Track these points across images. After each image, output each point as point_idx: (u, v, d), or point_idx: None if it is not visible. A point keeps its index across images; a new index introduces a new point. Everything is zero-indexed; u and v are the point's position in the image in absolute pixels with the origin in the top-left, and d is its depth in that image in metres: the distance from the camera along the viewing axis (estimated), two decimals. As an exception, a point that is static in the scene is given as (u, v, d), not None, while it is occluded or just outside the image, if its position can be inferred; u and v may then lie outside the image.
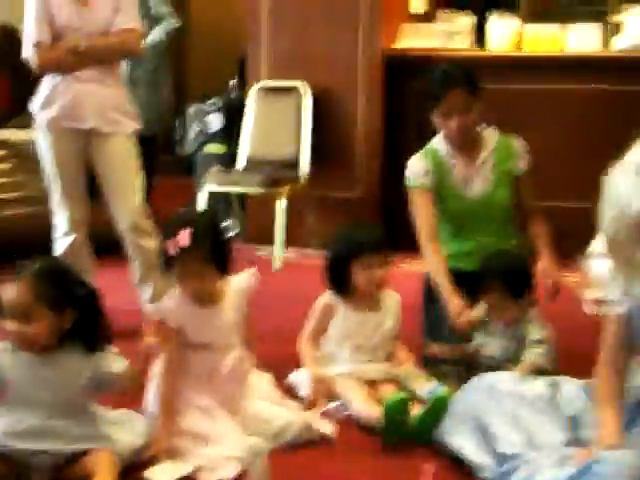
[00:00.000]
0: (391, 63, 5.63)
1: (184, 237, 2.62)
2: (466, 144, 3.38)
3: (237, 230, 5.94)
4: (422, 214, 3.38)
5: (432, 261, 3.34)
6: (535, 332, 3.08)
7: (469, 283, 3.20)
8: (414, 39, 5.75)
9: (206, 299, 2.77)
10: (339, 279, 3.16)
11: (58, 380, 2.42)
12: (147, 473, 2.49)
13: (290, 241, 5.44)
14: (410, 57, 5.57)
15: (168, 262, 2.69)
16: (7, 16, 6.70)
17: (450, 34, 5.72)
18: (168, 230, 2.71)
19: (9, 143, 6.08)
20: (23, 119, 6.35)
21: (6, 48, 6.53)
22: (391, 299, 3.24)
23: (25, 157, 5.86)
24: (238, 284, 2.85)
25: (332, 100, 5.73)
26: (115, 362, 2.50)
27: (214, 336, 2.78)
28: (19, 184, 5.65)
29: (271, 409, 2.81)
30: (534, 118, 5.29)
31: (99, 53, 3.72)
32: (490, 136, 3.43)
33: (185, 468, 2.51)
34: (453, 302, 3.18)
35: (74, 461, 2.42)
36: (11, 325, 2.37)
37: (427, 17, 6.08)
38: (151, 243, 3.76)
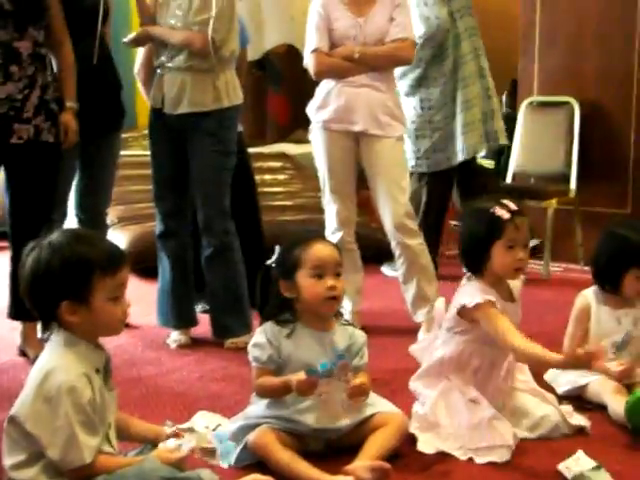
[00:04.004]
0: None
1: (511, 203, 2.67)
2: None
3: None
4: None
5: None
6: None
7: None
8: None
9: (508, 291, 2.75)
10: (609, 280, 3.07)
11: None
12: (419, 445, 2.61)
13: (555, 255, 5.38)
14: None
15: (495, 228, 2.67)
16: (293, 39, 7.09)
17: None
18: (492, 199, 2.74)
19: (287, 156, 6.46)
20: (300, 134, 6.74)
21: (288, 67, 6.94)
22: None
23: (301, 169, 6.23)
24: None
25: (603, 116, 5.60)
26: None
27: None
28: (294, 193, 6.00)
29: (529, 401, 2.78)
30: None
31: (372, 61, 3.86)
32: None
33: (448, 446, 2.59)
34: None
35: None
36: None
37: None
38: (416, 242, 3.86)
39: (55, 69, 3.60)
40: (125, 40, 3.85)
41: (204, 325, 3.96)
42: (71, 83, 3.60)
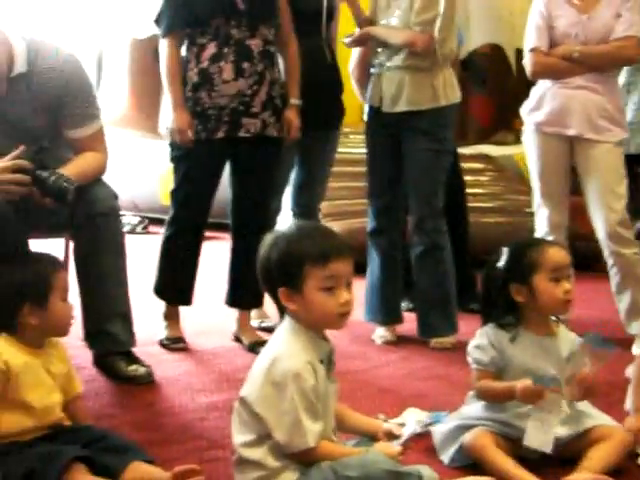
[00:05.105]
0: None
1: None
2: None
3: None
4: None
5: None
6: None
7: None
8: None
9: None
10: None
11: None
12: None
13: None
14: None
15: None
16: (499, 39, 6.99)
17: None
18: None
19: (489, 157, 6.38)
20: (502, 136, 6.64)
21: (495, 67, 6.85)
22: None
23: (503, 171, 6.14)
24: None
25: None
26: None
27: None
28: (497, 195, 5.92)
29: None
30: None
31: (592, 60, 3.74)
32: None
33: None
34: None
35: None
36: None
37: None
38: (631, 252, 3.72)
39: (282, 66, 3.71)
40: (345, 41, 3.92)
41: (408, 323, 3.97)
42: (296, 80, 3.70)
